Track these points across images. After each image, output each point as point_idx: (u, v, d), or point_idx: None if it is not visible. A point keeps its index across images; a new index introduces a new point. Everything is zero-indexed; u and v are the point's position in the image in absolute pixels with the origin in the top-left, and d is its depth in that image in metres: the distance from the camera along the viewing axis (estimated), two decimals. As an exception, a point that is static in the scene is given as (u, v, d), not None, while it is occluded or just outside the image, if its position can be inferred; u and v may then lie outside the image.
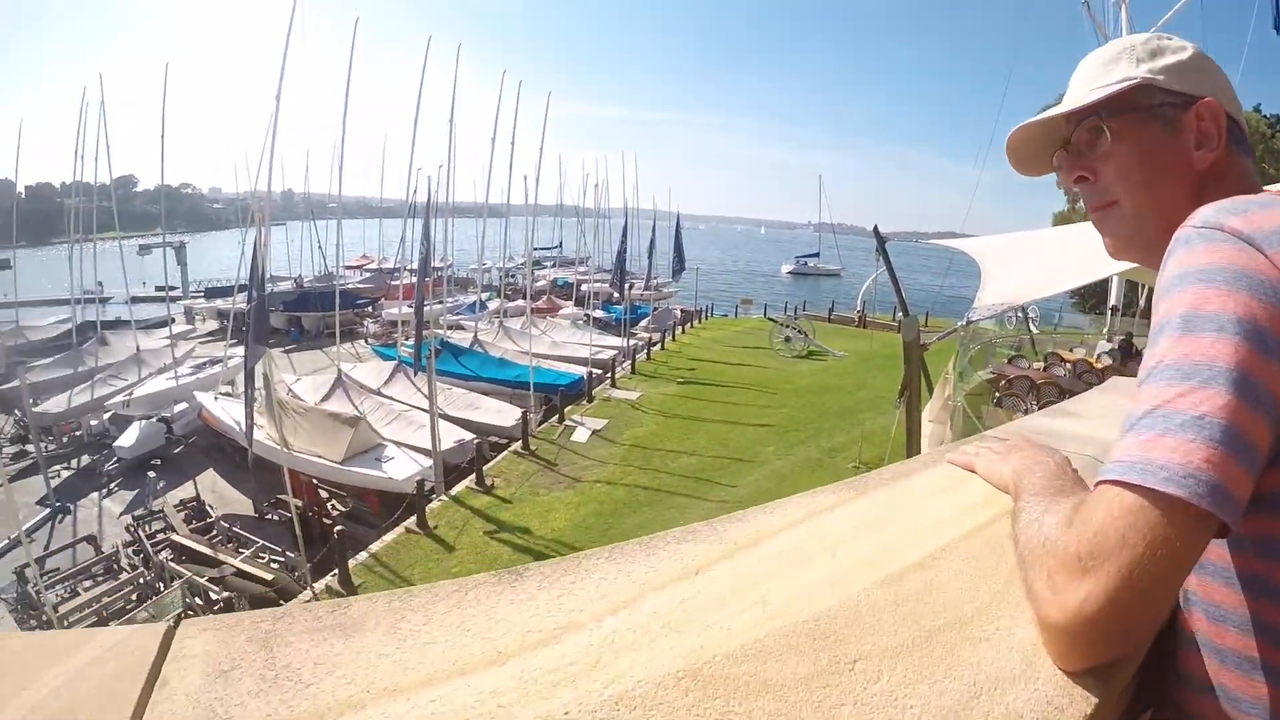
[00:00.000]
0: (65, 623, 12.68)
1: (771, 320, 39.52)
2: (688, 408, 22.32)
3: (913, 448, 7.59)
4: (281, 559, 14.86)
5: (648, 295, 42.26)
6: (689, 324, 41.12)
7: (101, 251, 38.49)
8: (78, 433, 25.97)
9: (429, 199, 21.71)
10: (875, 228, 10.09)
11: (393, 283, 44.03)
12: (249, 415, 14.61)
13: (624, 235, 32.84)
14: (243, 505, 19.10)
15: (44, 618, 12.76)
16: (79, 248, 36.80)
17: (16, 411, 26.52)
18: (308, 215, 55.56)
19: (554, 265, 62.46)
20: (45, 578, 13.45)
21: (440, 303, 34.74)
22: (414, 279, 35.09)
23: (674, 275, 42.77)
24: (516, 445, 18.93)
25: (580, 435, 19.57)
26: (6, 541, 17.59)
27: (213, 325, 45.30)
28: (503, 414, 21.47)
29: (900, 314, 8.35)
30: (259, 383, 15.60)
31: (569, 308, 41.79)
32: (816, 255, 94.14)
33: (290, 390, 22.43)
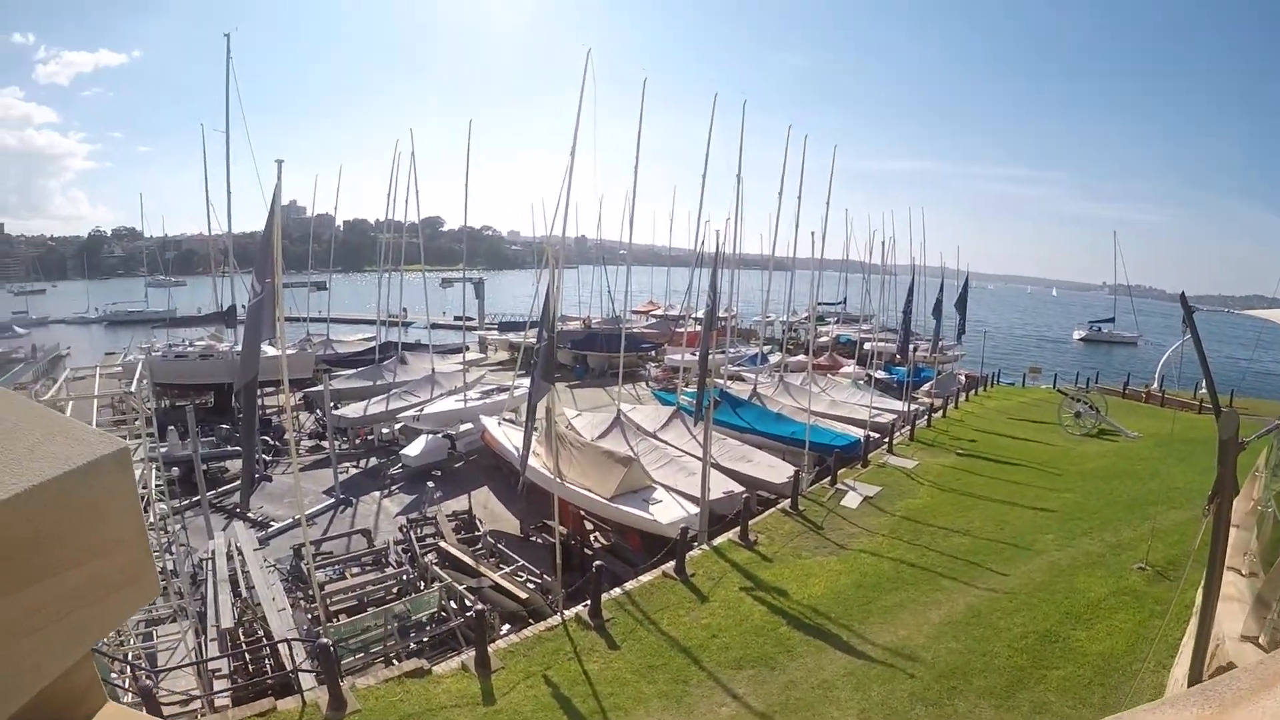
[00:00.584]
0: (329, 602, 13.42)
1: (1061, 392, 36.33)
2: (965, 482, 20.45)
3: (1217, 567, 6.05)
4: (538, 581, 14.90)
5: (932, 358, 40.15)
6: (973, 391, 38.50)
7: (407, 282, 42.00)
8: (370, 437, 28.39)
9: (717, 250, 21.51)
10: (1182, 296, 8.42)
11: (676, 329, 45.22)
12: (527, 444, 14.79)
13: (910, 294, 31.27)
14: (510, 524, 19.63)
15: (310, 592, 13.40)
16: (388, 277, 40.71)
17: (318, 411, 29.50)
18: (598, 260, 58.16)
19: (837, 321, 61.39)
20: (318, 558, 14.10)
21: (722, 352, 34.70)
22: (697, 327, 35.20)
23: (958, 338, 40.44)
24: (785, 503, 18.09)
25: (851, 500, 18.35)
26: (290, 521, 19.11)
27: (503, 355, 48.65)
28: (774, 470, 20.86)
29: (1210, 399, 6.84)
30: (541, 415, 15.84)
31: (850, 366, 40.60)
32: (1111, 321, 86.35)
33: (570, 424, 22.94)
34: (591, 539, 17.98)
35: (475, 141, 36.25)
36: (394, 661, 12.15)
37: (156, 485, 15.70)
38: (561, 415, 19.39)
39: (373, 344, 40.57)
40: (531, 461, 16.91)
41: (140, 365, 21.21)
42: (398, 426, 27.74)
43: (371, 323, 48.86)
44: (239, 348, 33.48)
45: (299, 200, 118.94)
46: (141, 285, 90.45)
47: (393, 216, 40.78)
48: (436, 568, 15.08)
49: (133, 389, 18.41)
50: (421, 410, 28.22)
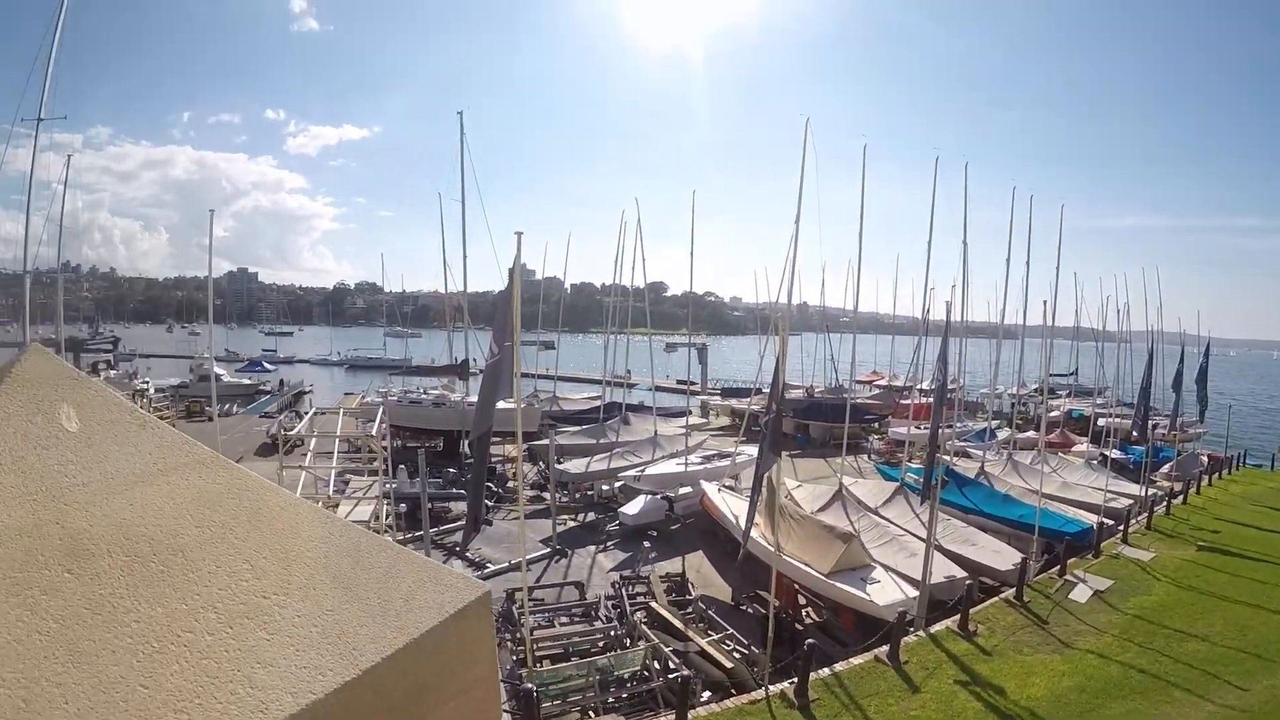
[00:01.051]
0: (536, 647, 13.91)
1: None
2: (1206, 580, 18.57)
3: None
4: (745, 652, 14.79)
5: (1171, 436, 36.68)
6: (1216, 474, 34.63)
7: (632, 344, 43.74)
8: (589, 493, 29.64)
9: (947, 319, 21.14)
10: None
11: (901, 401, 44.15)
12: (751, 516, 15.03)
13: (1149, 366, 29.00)
14: (721, 591, 19.71)
15: (518, 636, 14.09)
16: (613, 339, 42.64)
17: (541, 464, 31.18)
18: (821, 328, 57.99)
19: (1069, 395, 57.35)
20: (530, 604, 14.95)
21: (949, 426, 33.75)
22: (922, 399, 34.11)
23: (1201, 415, 36.80)
24: (1009, 592, 17.27)
25: (1080, 594, 17.23)
26: (508, 564, 20.22)
27: (724, 421, 48.87)
28: (999, 555, 19.88)
29: None
30: (764, 486, 16.00)
31: (1083, 445, 37.63)
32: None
33: (790, 494, 22.95)
34: (803, 614, 17.75)
35: (699, 207, 37.85)
36: (591, 714, 12.55)
37: (386, 520, 17.48)
38: (782, 485, 19.51)
39: (597, 403, 42.29)
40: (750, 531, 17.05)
41: (380, 411, 23.48)
42: (618, 484, 28.55)
43: (596, 382, 51.06)
44: (470, 398, 36.33)
45: (529, 263, 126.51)
46: (380, 334, 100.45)
47: (619, 281, 42.80)
48: (645, 626, 15.35)
49: (373, 431, 20.59)
50: (643, 471, 28.90)
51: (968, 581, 17.12)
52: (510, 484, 30.17)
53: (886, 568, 17.91)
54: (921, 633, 14.96)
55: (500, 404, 14.68)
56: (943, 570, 17.69)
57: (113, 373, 58.31)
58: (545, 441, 30.14)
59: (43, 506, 0.98)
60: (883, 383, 60.93)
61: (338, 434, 23.88)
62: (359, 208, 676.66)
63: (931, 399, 22.38)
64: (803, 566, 17.74)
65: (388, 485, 20.60)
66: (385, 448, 21.01)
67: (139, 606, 0.97)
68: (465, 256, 40.18)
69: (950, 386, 30.34)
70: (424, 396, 40.06)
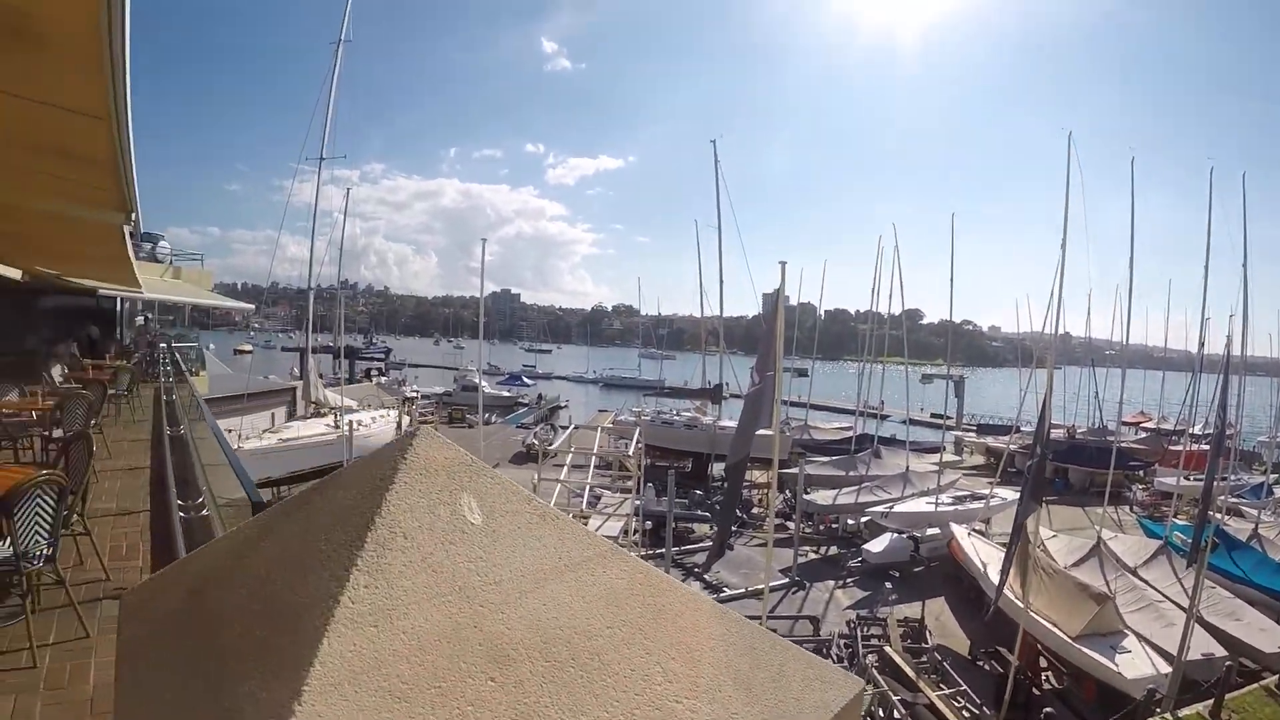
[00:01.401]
0: None
1: None
2: None
3: None
4: (976, 712, 14.45)
5: None
6: None
7: (886, 374, 43.27)
8: (834, 525, 29.77)
9: (1225, 356, 19.51)
10: None
11: (1170, 447, 40.24)
12: (1006, 568, 14.60)
13: None
14: (959, 642, 19.08)
15: None
16: (867, 367, 42.46)
17: (788, 492, 31.49)
18: (1086, 361, 54.29)
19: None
20: None
21: (1221, 479, 30.95)
22: (1195, 445, 30.76)
23: None
24: (1272, 680, 15.51)
25: (1368, 694, 15.49)
26: (745, 590, 20.84)
27: (979, 460, 46.72)
28: (1266, 635, 17.70)
29: None
30: (1021, 536, 15.62)
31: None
32: None
33: (1043, 545, 22.03)
34: (1043, 677, 16.82)
35: (958, 230, 36.92)
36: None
37: (632, 536, 18.83)
38: (1035, 534, 19.00)
39: (849, 434, 41.97)
40: (994, 577, 16.39)
41: (637, 431, 25.14)
42: (864, 520, 28.37)
43: (848, 412, 50.90)
44: (722, 422, 37.57)
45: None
46: (635, 355, 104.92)
47: (875, 309, 42.29)
48: (875, 671, 15.14)
49: (630, 450, 22.30)
50: (891, 507, 28.28)
51: (1227, 662, 15.39)
52: (755, 510, 30.77)
53: (1140, 636, 16.73)
54: (1169, 715, 13.85)
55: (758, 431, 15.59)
56: (1201, 646, 16.17)
57: (383, 379, 65.72)
58: (794, 470, 30.68)
59: (458, 608, 0.94)
60: (1150, 425, 55.16)
61: (594, 450, 26.00)
62: (616, 233, 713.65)
63: (1205, 446, 20.32)
64: (1049, 626, 16.89)
65: (637, 502, 22.21)
66: (639, 466, 22.67)
67: (564, 717, 0.92)
68: (721, 282, 41.57)
69: (1227, 432, 27.61)
70: (676, 418, 41.64)
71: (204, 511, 5.75)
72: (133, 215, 4.71)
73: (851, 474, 33.57)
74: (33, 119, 3.54)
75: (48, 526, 4.93)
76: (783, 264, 13.44)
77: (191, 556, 1.24)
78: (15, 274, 18.56)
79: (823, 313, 66.34)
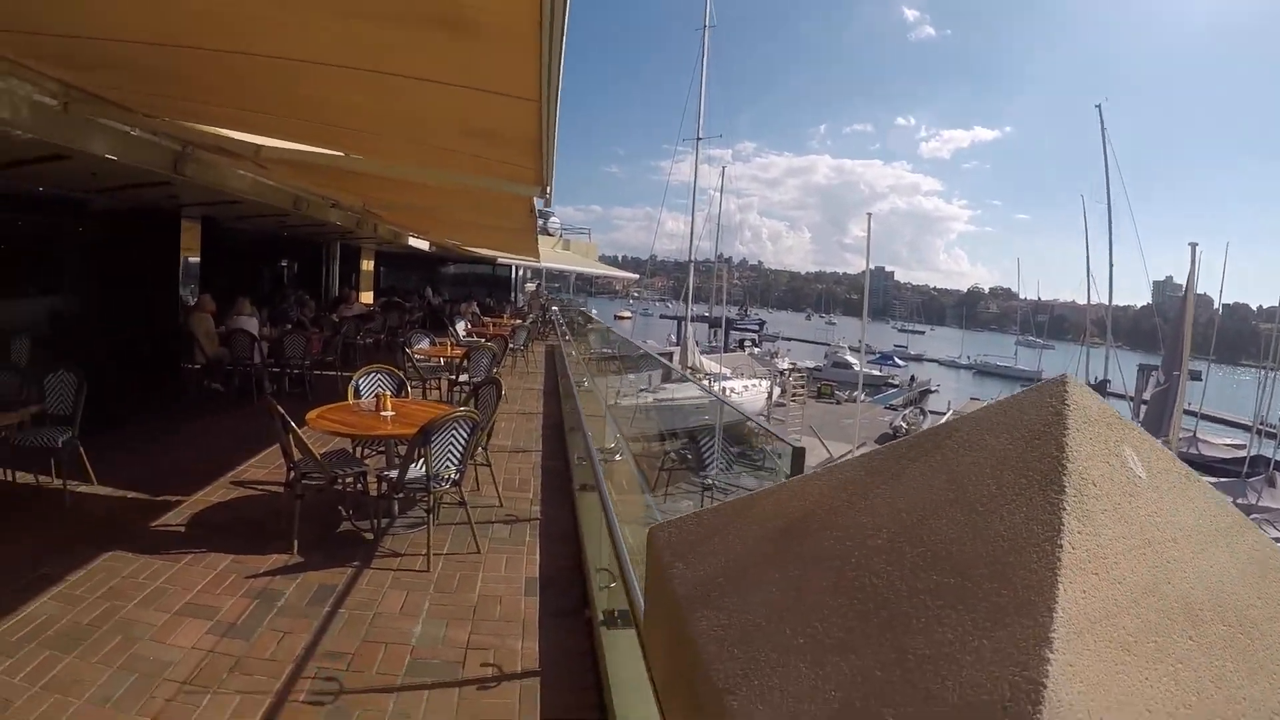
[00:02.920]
0: None
1: None
2: None
3: None
4: None
5: None
6: None
7: (1297, 386, 36.95)
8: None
9: None
10: None
11: None
12: None
13: None
14: None
15: None
16: (1270, 376, 36.36)
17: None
18: None
19: None
20: None
21: None
22: None
23: None
24: None
25: None
26: None
27: None
28: None
29: None
30: None
31: None
32: None
33: None
34: None
35: None
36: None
37: None
38: None
39: (1241, 454, 36.52)
40: None
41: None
42: None
43: (1242, 427, 44.13)
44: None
45: (1175, 276, 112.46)
46: (1011, 342, 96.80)
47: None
48: None
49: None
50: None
51: None
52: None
53: None
54: None
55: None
56: None
57: (756, 350, 66.61)
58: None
59: (1151, 561, 0.92)
60: None
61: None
62: (994, 210, 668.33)
63: None
64: None
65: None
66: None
67: (1244, 684, 0.89)
68: (1111, 265, 38.03)
69: None
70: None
71: (616, 457, 6.31)
72: (547, 189, 5.25)
73: (1239, 501, 29.13)
74: (467, 105, 4.01)
75: (458, 455, 5.74)
76: (1193, 246, 12.05)
77: (741, 502, 1.26)
78: (424, 245, 21.59)
79: (1220, 307, 57.62)
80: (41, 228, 13.93)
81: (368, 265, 25.73)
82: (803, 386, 51.26)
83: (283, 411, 5.51)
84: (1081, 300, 40.38)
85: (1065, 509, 0.91)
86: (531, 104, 3.31)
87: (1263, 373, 37.25)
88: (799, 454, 4.45)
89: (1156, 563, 0.94)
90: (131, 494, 6.51)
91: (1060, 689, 0.76)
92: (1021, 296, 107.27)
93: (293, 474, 5.70)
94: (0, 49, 4.45)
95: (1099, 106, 36.75)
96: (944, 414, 44.19)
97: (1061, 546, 0.87)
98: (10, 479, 5.18)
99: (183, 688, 3.71)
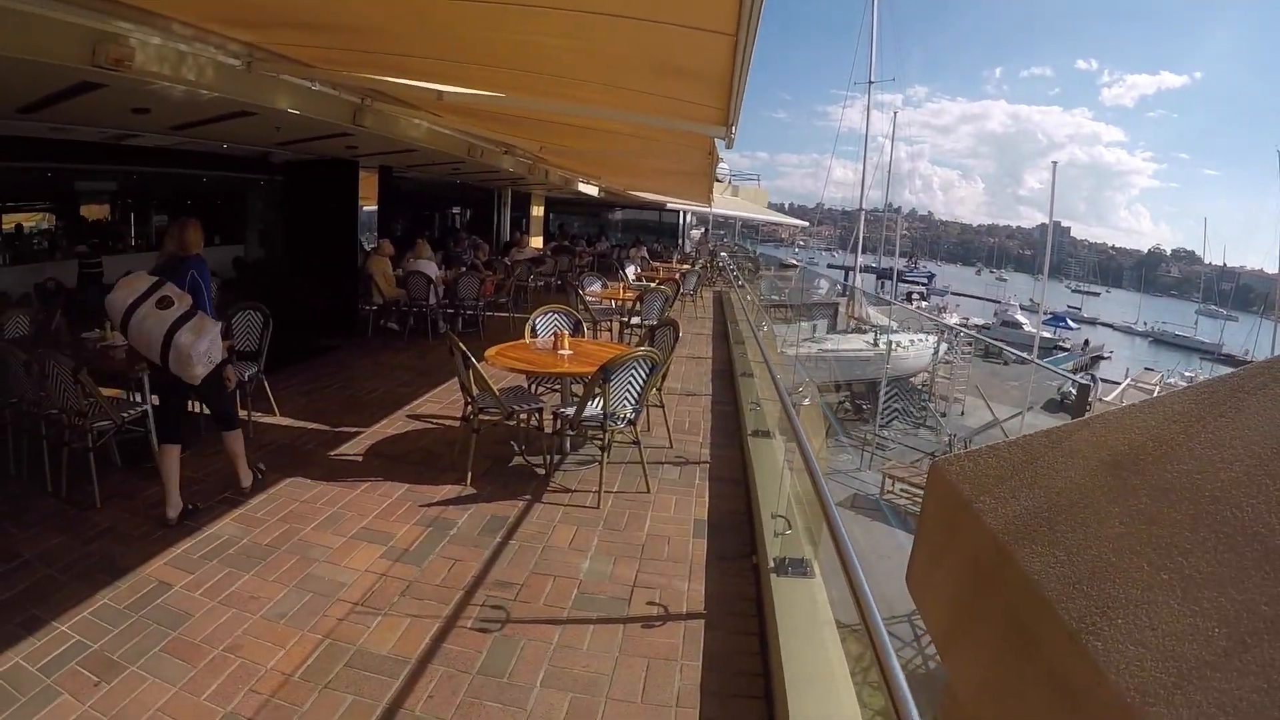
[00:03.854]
0: None
1: None
2: None
3: None
4: None
5: None
6: None
7: None
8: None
9: None
10: None
11: None
12: None
13: None
14: None
15: None
16: None
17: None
18: None
19: None
20: None
21: None
22: None
23: None
24: None
25: None
26: None
27: None
28: None
29: None
30: None
31: None
32: None
33: None
34: None
35: None
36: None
37: None
38: None
39: None
40: None
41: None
42: None
43: None
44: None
45: None
46: (1192, 311, 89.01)
47: None
48: None
49: None
50: None
51: None
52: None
53: None
54: None
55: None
56: None
57: (924, 304, 64.18)
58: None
59: None
60: None
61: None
62: (1181, 164, 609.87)
63: None
64: None
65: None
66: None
67: None
68: (1309, 230, 33.59)
69: None
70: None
71: (805, 401, 6.19)
72: (732, 129, 5.08)
73: None
74: (660, 41, 3.88)
75: (635, 394, 5.74)
76: None
77: (1050, 434, 1.20)
78: (594, 191, 21.79)
79: None
80: (229, 182, 15.00)
81: (537, 211, 26.27)
82: (970, 344, 49.11)
83: (464, 348, 5.62)
84: (1271, 269, 36.42)
85: None
86: (727, 38, 3.15)
87: None
88: (1083, 391, 4.16)
89: None
90: (312, 425, 6.89)
91: None
92: (1206, 261, 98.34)
93: (469, 408, 5.82)
94: (183, 14, 4.63)
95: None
96: (1119, 384, 41.28)
97: None
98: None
99: (355, 608, 3.89)
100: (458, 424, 6.52)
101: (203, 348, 4.69)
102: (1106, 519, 1.00)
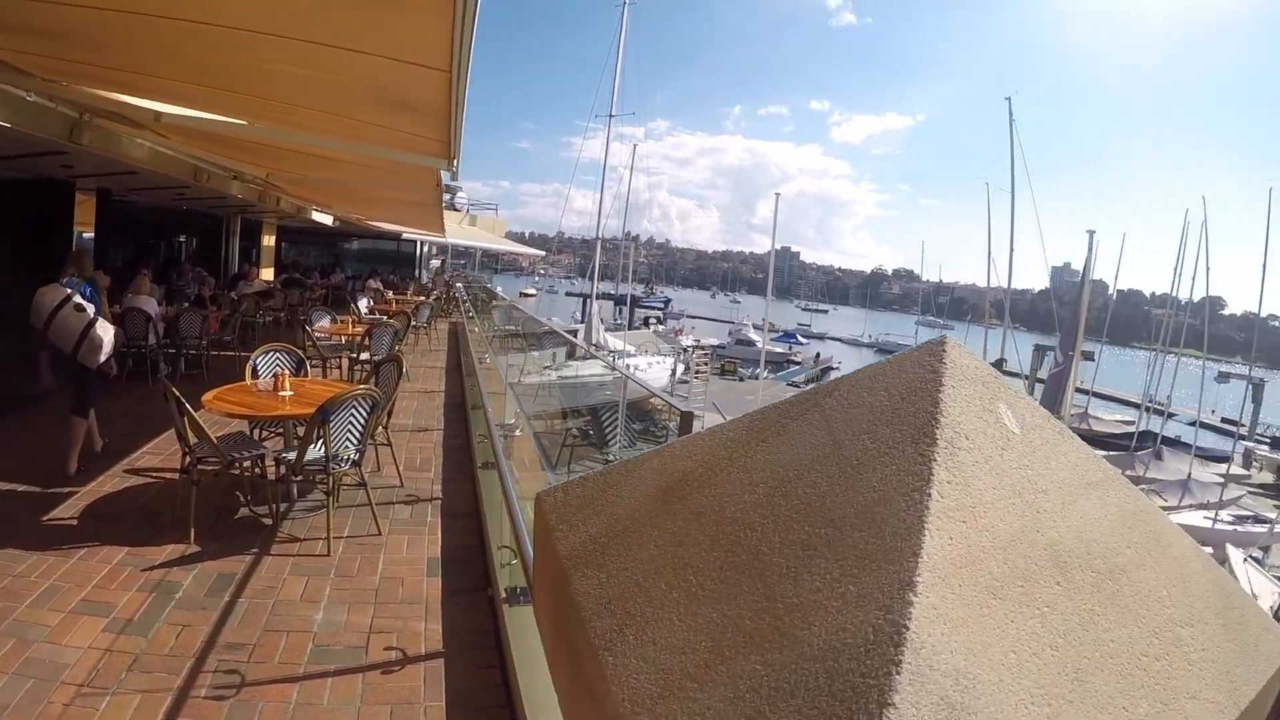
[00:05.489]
0: None
1: None
2: None
3: None
4: None
5: None
6: None
7: (1178, 366, 38.91)
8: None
9: None
10: None
11: None
12: None
13: None
14: None
15: None
16: (1158, 357, 38.25)
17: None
18: None
19: None
20: None
21: None
22: None
23: None
24: None
25: None
26: None
27: (1268, 478, 40.78)
28: None
29: None
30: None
31: None
32: None
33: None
34: None
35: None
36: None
37: None
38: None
39: (1130, 429, 37.97)
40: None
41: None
42: None
43: (1131, 405, 46.24)
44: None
45: (1072, 263, 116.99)
46: (912, 322, 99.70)
47: (1175, 293, 38.30)
48: None
49: None
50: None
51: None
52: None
53: None
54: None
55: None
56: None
57: (661, 328, 66.83)
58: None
59: (1020, 511, 0.96)
60: None
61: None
62: (901, 195, 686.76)
63: None
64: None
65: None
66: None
67: (1111, 627, 0.94)
68: (1011, 250, 38.96)
69: None
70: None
71: (515, 433, 6.25)
72: (454, 162, 5.17)
73: (1127, 473, 29.97)
74: (377, 73, 3.89)
75: (358, 434, 5.64)
76: (1091, 233, 12.54)
77: (629, 463, 1.27)
78: (328, 219, 21.07)
79: (1115, 292, 60.53)
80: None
81: (269, 240, 24.96)
82: (706, 364, 51.80)
83: (178, 394, 5.33)
84: (982, 283, 41.79)
85: (936, 460, 0.94)
86: (442, 74, 3.24)
87: (1152, 354, 39.02)
88: (687, 418, 4.50)
89: (1026, 512, 0.98)
90: (20, 488, 6.21)
91: (923, 630, 0.78)
92: (924, 278, 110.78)
93: (188, 459, 5.51)
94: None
95: (1009, 99, 38.16)
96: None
97: (930, 496, 0.90)
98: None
99: (80, 690, 3.58)
100: (178, 476, 6.10)
101: (109, 342, 6.55)
102: (646, 542, 1.10)
